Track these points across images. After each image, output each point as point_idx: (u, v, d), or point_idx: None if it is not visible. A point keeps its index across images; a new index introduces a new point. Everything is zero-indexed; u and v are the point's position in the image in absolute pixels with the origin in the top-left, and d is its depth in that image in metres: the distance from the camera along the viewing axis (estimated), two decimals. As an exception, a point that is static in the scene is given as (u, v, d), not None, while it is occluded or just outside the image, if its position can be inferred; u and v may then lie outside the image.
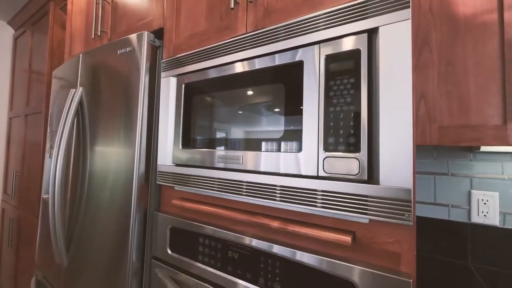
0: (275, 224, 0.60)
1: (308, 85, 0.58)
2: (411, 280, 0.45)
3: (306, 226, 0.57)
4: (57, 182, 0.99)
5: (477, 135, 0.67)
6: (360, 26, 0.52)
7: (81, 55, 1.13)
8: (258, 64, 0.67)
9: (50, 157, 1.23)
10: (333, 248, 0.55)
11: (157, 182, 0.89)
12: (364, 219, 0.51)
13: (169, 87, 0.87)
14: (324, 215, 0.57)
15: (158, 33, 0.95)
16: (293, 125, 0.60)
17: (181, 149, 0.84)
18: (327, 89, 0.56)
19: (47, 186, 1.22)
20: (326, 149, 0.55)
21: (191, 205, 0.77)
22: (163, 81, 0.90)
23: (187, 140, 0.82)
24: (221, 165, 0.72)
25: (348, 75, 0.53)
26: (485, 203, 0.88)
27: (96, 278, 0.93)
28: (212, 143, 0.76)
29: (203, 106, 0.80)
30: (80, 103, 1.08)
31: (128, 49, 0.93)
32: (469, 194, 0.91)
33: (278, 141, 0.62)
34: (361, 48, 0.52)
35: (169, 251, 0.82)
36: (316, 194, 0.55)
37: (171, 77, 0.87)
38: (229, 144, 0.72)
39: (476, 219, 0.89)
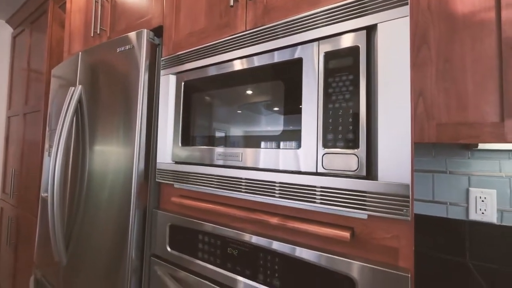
0: (274, 220, 0.61)
1: (307, 82, 0.58)
2: (409, 275, 0.45)
3: (305, 222, 0.57)
4: (56, 180, 0.99)
5: (474, 132, 0.68)
6: (358, 23, 0.53)
7: (80, 53, 1.13)
8: (258, 61, 0.68)
9: (49, 155, 1.22)
10: (332, 244, 0.56)
11: (157, 180, 0.89)
12: (362, 214, 0.52)
13: (168, 85, 0.88)
14: (323, 211, 0.57)
15: (158, 31, 0.95)
16: (292, 122, 0.60)
17: (180, 146, 0.84)
18: (326, 86, 0.56)
19: (46, 184, 1.22)
20: (325, 145, 0.55)
21: (191, 202, 0.78)
22: (162, 79, 0.90)
23: (187, 137, 0.83)
24: (221, 162, 0.73)
25: (347, 72, 0.54)
26: (482, 201, 0.88)
27: (95, 276, 0.94)
28: (211, 141, 0.76)
29: (203, 103, 0.80)
30: (79, 101, 1.08)
31: (127, 47, 0.93)
32: (467, 192, 0.91)
33: (277, 138, 0.63)
34: (359, 45, 0.53)
35: (169, 249, 0.82)
36: (315, 190, 0.55)
37: (170, 75, 0.88)
38: (229, 141, 0.72)
39: (474, 216, 0.89)
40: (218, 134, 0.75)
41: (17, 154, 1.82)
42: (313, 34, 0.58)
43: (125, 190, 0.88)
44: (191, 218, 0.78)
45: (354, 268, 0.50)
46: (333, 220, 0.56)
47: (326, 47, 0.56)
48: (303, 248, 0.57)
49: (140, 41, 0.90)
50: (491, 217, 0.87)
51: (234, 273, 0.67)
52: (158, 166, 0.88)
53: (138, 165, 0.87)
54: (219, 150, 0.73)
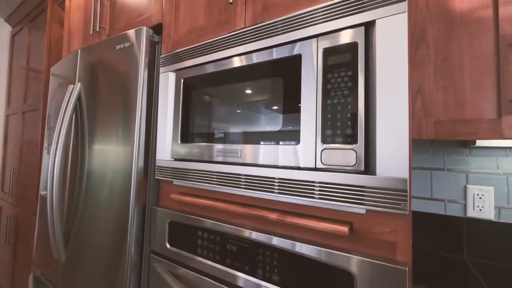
0: (273, 216, 0.61)
1: (306, 78, 0.59)
2: (407, 268, 0.46)
3: (304, 217, 0.58)
4: (55, 177, 0.99)
5: (472, 129, 0.68)
6: (357, 19, 0.53)
7: (79, 51, 1.13)
8: (257, 58, 0.68)
9: (48, 153, 1.22)
10: (330, 239, 0.56)
11: (156, 177, 0.89)
12: (361, 209, 0.52)
13: (168, 82, 0.88)
14: (322, 207, 0.57)
15: (157, 29, 0.95)
16: (291, 118, 0.61)
17: (180, 143, 0.84)
18: (325, 82, 0.56)
19: (45, 182, 1.21)
20: (323, 141, 0.55)
21: (190, 199, 0.78)
22: (162, 76, 0.90)
23: (186, 134, 0.83)
24: (220, 158, 0.73)
25: (346, 68, 0.54)
26: (480, 198, 0.89)
27: (94, 273, 0.94)
28: (210, 137, 0.77)
29: (202, 100, 0.80)
30: (79, 98, 1.08)
31: (126, 44, 0.93)
32: (465, 189, 0.92)
33: (276, 134, 0.63)
34: (358, 41, 0.53)
35: (168, 245, 0.83)
36: (314, 186, 0.56)
37: (170, 72, 0.88)
38: (228, 138, 0.73)
39: (471, 213, 0.90)
40: (217, 131, 0.75)
41: (16, 152, 1.82)
42: (312, 31, 0.58)
43: (124, 188, 0.88)
44: (190, 215, 0.78)
45: (353, 262, 0.51)
46: (332, 215, 0.56)
47: (325, 43, 0.57)
48: (302, 244, 0.57)
49: (139, 39, 0.90)
50: (489, 214, 0.88)
51: (233, 269, 0.68)
52: (157, 163, 0.88)
53: (137, 162, 0.87)
54: (218, 146, 0.74)
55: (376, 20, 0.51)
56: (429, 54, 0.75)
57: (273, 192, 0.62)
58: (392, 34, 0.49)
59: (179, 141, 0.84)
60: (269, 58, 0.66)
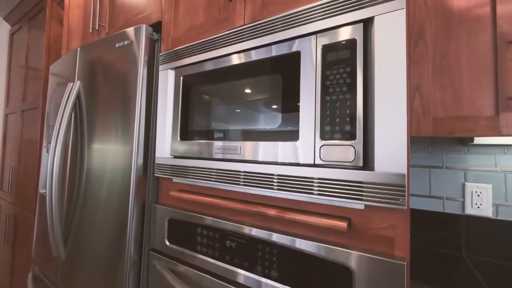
0: (272, 212, 0.61)
1: (305, 75, 0.59)
2: (405, 263, 0.46)
3: (303, 213, 0.58)
4: (54, 175, 0.99)
5: (470, 126, 0.69)
6: (355, 16, 0.53)
7: (78, 49, 1.13)
8: (256, 55, 0.68)
9: (48, 151, 1.22)
10: (329, 235, 0.56)
11: (155, 175, 0.89)
12: (359, 205, 0.52)
13: (167, 80, 0.88)
14: (321, 203, 0.58)
15: (156, 27, 0.95)
16: (290, 115, 0.61)
17: (179, 141, 0.84)
18: (324, 78, 0.57)
19: (44, 181, 1.22)
20: (322, 137, 0.56)
21: (189, 196, 0.78)
22: (161, 74, 0.90)
23: (185, 132, 0.83)
24: (219, 155, 0.73)
25: (344, 65, 0.54)
26: (478, 195, 0.90)
27: (94, 271, 0.94)
28: (210, 135, 0.77)
29: (201, 98, 0.80)
30: (78, 96, 1.08)
31: (126, 42, 0.93)
32: (463, 187, 0.92)
33: (275, 130, 0.63)
34: (356, 38, 0.53)
35: (167, 243, 0.83)
36: (312, 182, 0.56)
37: (169, 70, 0.88)
38: (227, 135, 0.73)
39: (470, 211, 0.90)
40: (217, 128, 0.76)
41: (15, 151, 1.82)
42: (311, 28, 0.59)
43: (123, 185, 0.89)
44: (189, 212, 0.78)
45: (351, 257, 0.51)
46: (330, 211, 0.57)
47: (324, 40, 0.57)
48: (302, 240, 0.57)
49: (138, 36, 0.90)
50: (487, 211, 0.88)
51: (232, 265, 0.68)
52: (156, 161, 0.89)
53: (136, 160, 0.87)
54: (217, 144, 0.74)
55: (375, 17, 0.51)
56: (427, 51, 0.75)
57: (272, 189, 0.62)
58: (391, 30, 0.50)
59: (179, 138, 0.84)
60: (268, 55, 0.66)
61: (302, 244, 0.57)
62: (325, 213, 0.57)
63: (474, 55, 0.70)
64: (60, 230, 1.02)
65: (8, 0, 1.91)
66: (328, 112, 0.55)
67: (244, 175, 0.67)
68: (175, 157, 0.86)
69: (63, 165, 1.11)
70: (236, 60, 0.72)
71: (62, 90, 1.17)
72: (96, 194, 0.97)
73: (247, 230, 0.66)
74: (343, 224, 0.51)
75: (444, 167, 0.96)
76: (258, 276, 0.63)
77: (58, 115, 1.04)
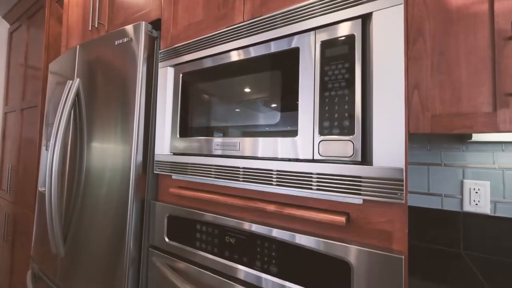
0: (271, 207, 0.61)
1: (304, 71, 0.59)
2: (403, 257, 0.46)
3: (302, 209, 0.58)
4: (54, 172, 0.99)
5: (468, 123, 0.69)
6: (354, 12, 0.54)
7: (78, 47, 1.13)
8: (255, 52, 0.68)
9: (47, 149, 1.22)
10: (327, 230, 0.57)
11: (155, 172, 0.89)
12: (358, 199, 0.53)
13: (166, 77, 0.88)
14: (319, 198, 0.58)
15: (156, 24, 0.95)
16: (289, 110, 0.61)
17: (178, 138, 0.84)
18: (323, 74, 0.57)
19: (43, 178, 1.22)
20: (321, 132, 0.56)
21: (189, 192, 0.78)
22: (160, 71, 0.90)
23: (185, 129, 0.83)
24: (219, 152, 0.73)
25: (343, 60, 0.55)
26: (476, 192, 0.90)
27: (93, 268, 0.94)
28: (209, 131, 0.77)
29: (201, 95, 0.80)
30: (77, 94, 1.08)
31: (125, 39, 0.93)
32: (462, 184, 0.93)
33: (274, 126, 0.63)
34: (355, 34, 0.54)
35: (167, 239, 0.83)
36: (311, 177, 0.56)
37: (168, 67, 0.88)
38: (226, 131, 0.73)
39: (468, 208, 0.91)
40: (216, 124, 0.76)
41: (14, 150, 1.82)
42: (310, 24, 0.59)
43: (123, 183, 0.89)
44: (189, 209, 0.79)
45: (350, 252, 0.51)
46: (329, 206, 0.57)
47: (323, 36, 0.57)
48: (302, 235, 0.57)
49: (138, 34, 0.90)
50: (485, 208, 0.88)
51: (232, 261, 0.68)
52: (156, 158, 0.89)
53: (136, 157, 0.87)
54: (217, 140, 0.74)
55: (373, 13, 0.52)
56: (426, 49, 0.75)
57: (271, 184, 0.62)
58: (389, 26, 0.50)
59: (178, 135, 0.84)
60: (267, 52, 0.66)
61: (301, 239, 0.57)
62: (323, 208, 0.58)
63: (472, 52, 0.70)
64: (59, 228, 1.02)
65: (7, -1, 1.91)
66: (326, 108, 0.56)
67: (244, 171, 0.67)
68: (174, 154, 0.86)
69: (63, 162, 1.11)
70: (235, 56, 0.72)
71: (61, 89, 1.17)
72: (96, 191, 0.97)
73: (247, 226, 0.66)
74: (342, 219, 0.52)
75: (443, 164, 0.97)
76: (258, 272, 0.63)
77: (58, 112, 1.04)
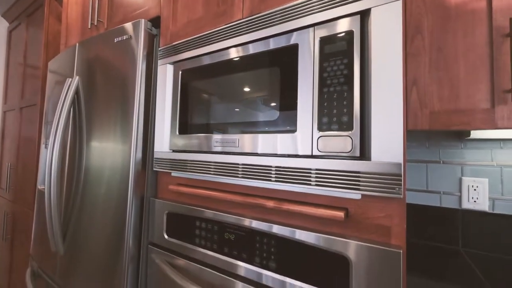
0: (270, 203, 0.62)
1: (302, 67, 0.59)
2: (401, 251, 0.46)
3: (300, 204, 0.58)
4: (53, 169, 0.99)
5: (466, 119, 0.69)
6: (353, 8, 0.54)
7: (77, 44, 1.13)
8: (254, 48, 0.69)
9: (46, 147, 1.22)
10: (326, 225, 0.57)
11: (154, 169, 0.89)
12: (356, 195, 0.53)
13: (166, 74, 0.88)
14: (318, 193, 0.58)
15: (155, 22, 0.95)
16: (288, 107, 0.61)
17: (178, 135, 0.84)
18: (321, 70, 0.57)
19: (43, 176, 1.22)
20: (320, 128, 0.56)
21: (188, 189, 0.78)
22: (160, 69, 0.90)
23: (184, 126, 0.83)
24: (218, 149, 0.74)
25: (342, 56, 0.55)
26: (475, 189, 0.90)
27: (92, 265, 0.94)
28: (208, 128, 0.77)
29: (200, 92, 0.80)
30: (77, 91, 1.08)
31: (124, 37, 0.93)
32: (460, 181, 0.93)
33: (273, 123, 0.64)
34: (354, 30, 0.54)
35: (166, 236, 0.83)
36: (310, 173, 0.56)
37: (168, 65, 0.88)
38: (225, 128, 0.73)
39: (466, 205, 0.91)
40: (215, 121, 0.76)
41: (13, 148, 1.81)
42: (309, 20, 0.59)
43: (122, 180, 0.89)
44: (188, 205, 0.79)
45: (349, 247, 0.51)
46: (328, 202, 0.57)
47: (322, 32, 0.57)
48: (302, 230, 0.57)
49: (137, 31, 0.90)
50: (483, 205, 0.89)
51: (230, 257, 0.68)
52: (155, 155, 0.89)
53: (135, 154, 0.87)
54: (216, 137, 0.74)
55: (372, 8, 0.52)
56: (424, 45, 0.76)
57: (270, 180, 0.62)
58: (387, 22, 0.50)
59: (177, 132, 0.85)
60: (266, 49, 0.66)
61: (301, 235, 0.58)
62: (322, 204, 0.58)
63: (470, 49, 0.70)
64: (58, 225, 1.02)
65: (6, -3, 1.91)
66: (325, 104, 0.56)
67: (243, 168, 0.67)
68: (173, 151, 0.86)
69: (62, 160, 1.11)
70: (234, 53, 0.72)
71: (60, 88, 1.17)
72: (95, 189, 0.97)
73: (247, 222, 0.66)
74: (340, 214, 0.52)
75: (441, 162, 0.97)
76: (258, 268, 0.63)
77: (57, 109, 1.04)
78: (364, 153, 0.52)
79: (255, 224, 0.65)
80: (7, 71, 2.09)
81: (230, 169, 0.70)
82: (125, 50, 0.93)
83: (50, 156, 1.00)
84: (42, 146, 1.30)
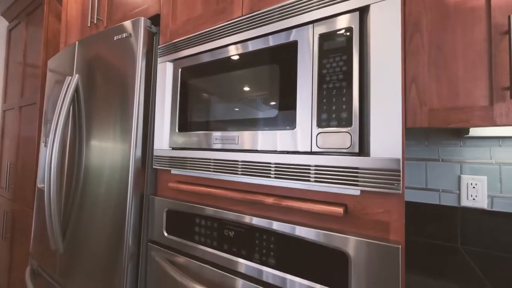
0: (270, 200, 0.62)
1: (302, 64, 0.60)
2: (400, 246, 0.47)
3: (300, 201, 0.59)
4: (53, 167, 0.99)
5: (465, 117, 0.69)
6: (352, 4, 0.54)
7: (76, 43, 1.13)
8: (254, 46, 0.69)
9: (46, 146, 1.22)
10: (325, 221, 0.57)
11: (154, 167, 0.89)
12: (355, 191, 0.53)
13: (165, 72, 0.88)
14: (317, 190, 0.58)
15: (155, 20, 0.96)
16: (287, 104, 0.61)
17: (177, 132, 0.84)
18: (321, 67, 0.57)
19: (42, 175, 1.22)
20: (319, 125, 0.56)
21: (188, 187, 0.78)
22: (159, 67, 0.91)
23: (184, 123, 0.83)
24: (217, 146, 0.74)
25: (341, 53, 0.55)
26: (474, 187, 0.91)
27: (92, 263, 0.94)
28: (208, 125, 0.77)
29: (199, 89, 0.81)
30: (76, 90, 1.08)
31: (124, 35, 0.94)
32: (459, 179, 0.93)
33: (272, 120, 0.64)
34: (353, 26, 0.54)
35: (166, 234, 0.83)
36: (309, 169, 0.56)
37: (167, 62, 0.88)
38: (225, 125, 0.73)
39: (465, 202, 0.91)
40: (215, 118, 0.76)
41: (13, 147, 1.81)
42: (308, 17, 0.59)
43: (122, 178, 0.89)
44: (188, 203, 0.79)
45: (347, 243, 0.52)
46: (327, 198, 0.57)
47: (321, 29, 0.58)
48: (302, 227, 0.58)
49: (137, 29, 0.90)
50: (482, 202, 0.89)
51: (230, 254, 0.68)
52: (155, 153, 0.89)
53: (135, 152, 0.88)
54: (216, 134, 0.74)
55: (371, 5, 0.52)
56: (423, 43, 0.76)
57: (269, 177, 0.62)
58: (386, 18, 0.50)
59: (177, 130, 0.85)
60: (266, 46, 0.66)
61: (301, 231, 0.58)
62: (321, 200, 0.58)
63: (469, 47, 0.71)
64: (58, 223, 1.02)
65: (5, -4, 1.90)
66: (324, 100, 0.56)
67: (242, 165, 0.67)
68: (173, 148, 0.86)
69: (62, 158, 1.11)
70: (234, 51, 0.73)
71: (60, 86, 1.17)
72: (94, 187, 0.97)
73: (247, 219, 0.66)
74: (339, 210, 0.52)
75: (440, 160, 0.97)
76: (258, 265, 0.63)
77: (57, 107, 1.04)
78: (363, 149, 0.53)
79: (256, 221, 0.65)
80: (6, 70, 2.09)
81: (230, 166, 0.70)
82: (124, 48, 0.93)
83: (49, 153, 1.00)
84: (42, 144, 1.30)
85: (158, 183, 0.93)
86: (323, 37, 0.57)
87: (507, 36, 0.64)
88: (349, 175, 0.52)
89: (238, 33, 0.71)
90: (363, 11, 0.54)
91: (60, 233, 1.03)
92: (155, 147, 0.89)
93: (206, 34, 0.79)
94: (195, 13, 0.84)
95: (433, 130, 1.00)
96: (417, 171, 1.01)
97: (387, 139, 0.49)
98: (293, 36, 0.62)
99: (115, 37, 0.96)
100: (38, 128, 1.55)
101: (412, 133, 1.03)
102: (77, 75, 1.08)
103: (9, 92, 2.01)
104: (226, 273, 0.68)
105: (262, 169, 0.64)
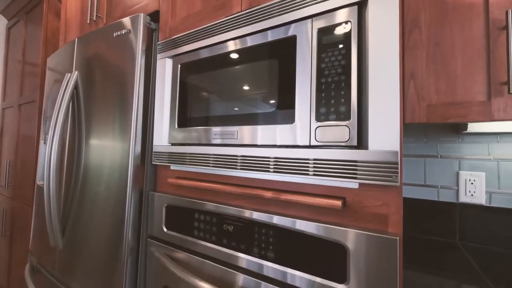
0: (269, 194, 0.62)
1: (301, 58, 0.60)
2: (398, 238, 0.47)
3: (298, 194, 0.59)
4: (52, 164, 0.99)
5: (463, 112, 0.70)
6: (350, -2, 0.54)
7: (76, 40, 1.13)
8: (253, 41, 0.69)
9: (45, 143, 1.22)
10: (323, 215, 0.57)
11: (153, 163, 0.89)
12: (354, 183, 0.53)
13: (165, 68, 0.88)
14: (316, 183, 0.59)
15: (154, 16, 0.96)
16: (286, 98, 0.62)
17: (177, 128, 0.85)
18: (319, 61, 0.57)
19: (42, 172, 1.22)
20: (318, 119, 0.57)
21: (187, 182, 0.79)
22: (159, 63, 0.91)
23: (183, 119, 0.84)
24: (217, 141, 0.74)
25: (340, 47, 0.55)
26: (472, 183, 0.91)
27: (91, 259, 0.94)
28: (207, 121, 0.78)
29: (199, 85, 0.81)
30: (76, 86, 1.08)
31: (123, 31, 0.94)
32: (457, 175, 0.94)
33: (272, 114, 0.64)
34: (351, 20, 0.54)
35: (165, 229, 0.83)
36: (308, 163, 0.57)
37: (167, 59, 0.88)
38: (224, 120, 0.74)
39: (463, 198, 0.92)
40: (214, 114, 0.76)
41: (12, 145, 1.81)
42: (307, 11, 0.60)
43: (121, 174, 0.89)
44: (187, 198, 0.79)
45: (346, 235, 0.52)
46: (325, 191, 0.58)
47: (319, 23, 0.58)
48: (301, 220, 0.58)
49: (136, 25, 0.90)
50: (480, 198, 0.89)
51: (229, 248, 0.69)
52: (154, 149, 0.89)
53: (134, 148, 0.88)
54: (215, 129, 0.75)
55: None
56: (421, 39, 0.76)
57: (268, 171, 0.63)
58: (384, 12, 0.51)
59: (176, 126, 0.85)
60: (265, 41, 0.67)
61: (301, 225, 0.58)
62: (320, 193, 0.58)
63: (467, 42, 0.71)
64: (57, 220, 1.02)
65: (5, -6, 1.90)
66: (323, 94, 0.56)
67: (241, 159, 0.68)
68: (172, 144, 0.86)
69: (61, 155, 1.11)
70: (232, 46, 0.73)
71: (59, 84, 1.17)
72: (94, 184, 0.97)
73: (247, 213, 0.66)
74: (338, 203, 0.52)
75: (439, 156, 0.97)
76: (258, 259, 0.63)
77: (56, 104, 1.04)
78: (361, 143, 0.53)
79: (256, 215, 0.65)
80: (5, 68, 2.09)
81: (229, 161, 0.70)
82: (124, 45, 0.93)
83: (49, 150, 1.00)
84: (41, 142, 1.30)
85: (157, 179, 0.93)
86: (322, 32, 0.58)
87: (505, 31, 0.64)
88: (347, 168, 0.52)
89: (237, 29, 0.71)
90: (361, 5, 0.55)
91: (60, 230, 1.03)
92: (154, 143, 0.89)
93: (206, 30, 0.79)
94: (195, 9, 0.85)
95: (432, 126, 1.01)
96: (415, 167, 1.01)
97: (385, 132, 0.49)
98: (292, 30, 0.62)
99: (114, 34, 0.96)
100: (37, 126, 1.55)
101: (411, 130, 1.03)
102: (76, 72, 1.08)
103: (8, 90, 2.01)
104: (226, 268, 0.68)
105: (261, 164, 0.64)
